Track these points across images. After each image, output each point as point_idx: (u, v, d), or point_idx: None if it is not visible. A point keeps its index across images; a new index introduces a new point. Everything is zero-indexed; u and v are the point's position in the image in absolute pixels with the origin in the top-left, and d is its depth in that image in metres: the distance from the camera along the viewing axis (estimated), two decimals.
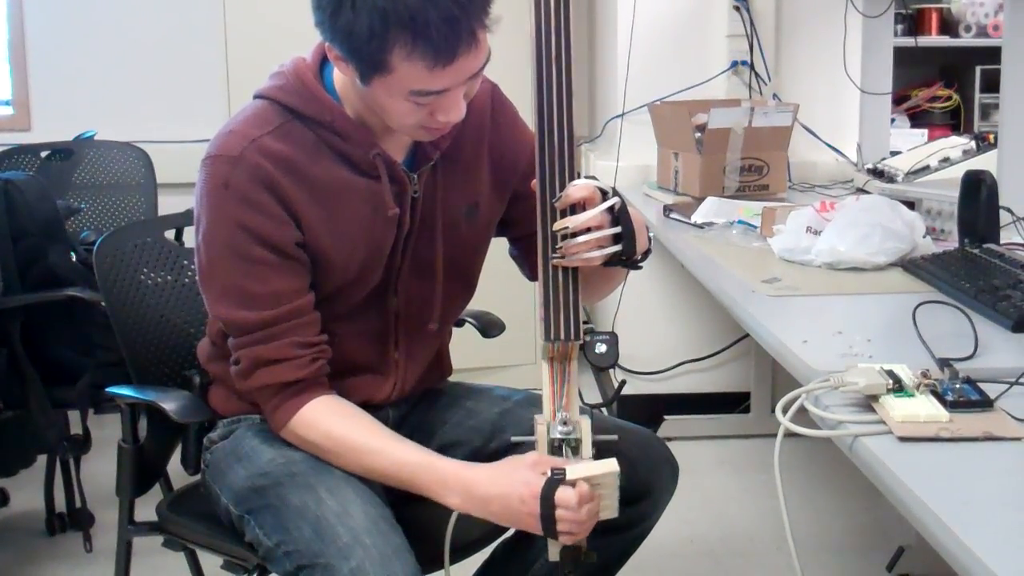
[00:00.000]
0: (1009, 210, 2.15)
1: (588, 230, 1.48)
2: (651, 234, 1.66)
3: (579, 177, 1.49)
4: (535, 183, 1.49)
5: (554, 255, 1.48)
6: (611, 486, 1.46)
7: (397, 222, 1.64)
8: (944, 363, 1.42)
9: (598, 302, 1.86)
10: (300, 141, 1.59)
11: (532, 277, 1.78)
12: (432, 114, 1.50)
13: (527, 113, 1.56)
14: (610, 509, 1.48)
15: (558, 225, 1.47)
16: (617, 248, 1.49)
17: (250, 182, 1.55)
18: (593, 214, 1.46)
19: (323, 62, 1.61)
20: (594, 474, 1.45)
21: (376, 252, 1.65)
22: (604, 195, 1.49)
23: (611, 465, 1.45)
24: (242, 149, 1.55)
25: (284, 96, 1.60)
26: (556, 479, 1.44)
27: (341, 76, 1.57)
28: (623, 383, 2.13)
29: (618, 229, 1.48)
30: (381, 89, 1.47)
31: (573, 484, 1.43)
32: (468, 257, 1.76)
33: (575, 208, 1.48)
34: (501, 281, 1.97)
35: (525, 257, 1.82)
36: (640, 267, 1.60)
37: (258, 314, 1.58)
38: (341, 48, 1.46)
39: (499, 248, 1.86)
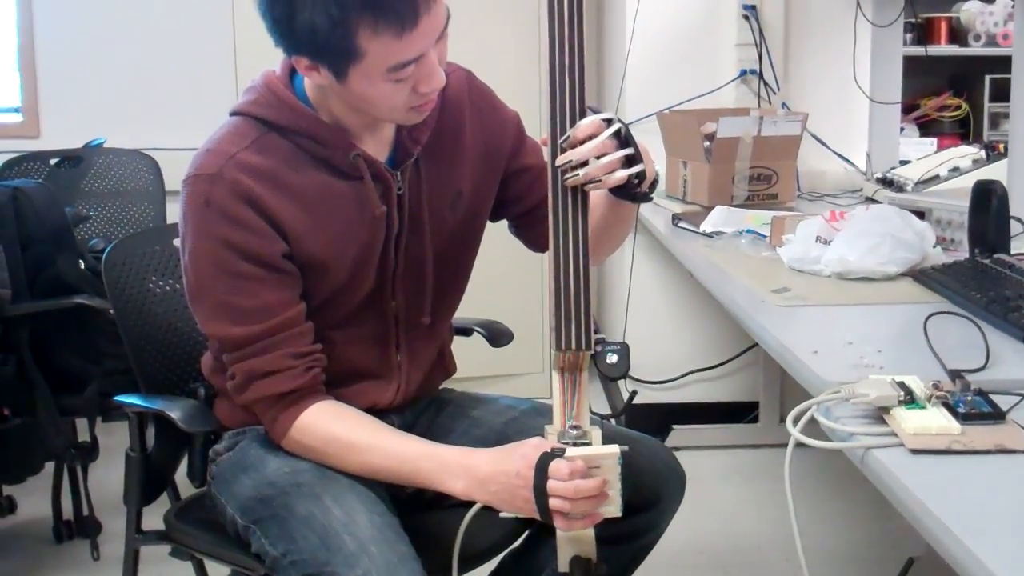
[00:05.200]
0: (1020, 220, 2.14)
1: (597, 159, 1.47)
2: (656, 166, 1.66)
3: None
4: (546, 136, 1.49)
5: (566, 177, 1.48)
6: (611, 469, 1.45)
7: (385, 221, 1.64)
8: (955, 375, 1.41)
9: (610, 254, 1.85)
10: (278, 152, 1.59)
11: (538, 248, 1.76)
12: (415, 88, 1.51)
13: (535, 96, 1.55)
14: (612, 504, 1.47)
15: (561, 159, 1.47)
16: (636, 169, 1.49)
17: (231, 198, 1.55)
18: (596, 143, 1.46)
19: (293, 72, 1.61)
20: (592, 454, 1.45)
21: (367, 254, 1.64)
22: (609, 123, 1.49)
23: (611, 447, 1.45)
24: (220, 166, 1.55)
25: (258, 109, 1.60)
26: (553, 453, 1.45)
27: (311, 83, 1.58)
28: (634, 393, 2.11)
29: (631, 150, 1.49)
30: (360, 78, 1.48)
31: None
32: (456, 247, 1.76)
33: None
34: (510, 290, 1.97)
35: (527, 230, 1.82)
36: (651, 198, 1.60)
37: (249, 329, 1.58)
38: (308, 53, 1.47)
39: (508, 256, 1.85)
